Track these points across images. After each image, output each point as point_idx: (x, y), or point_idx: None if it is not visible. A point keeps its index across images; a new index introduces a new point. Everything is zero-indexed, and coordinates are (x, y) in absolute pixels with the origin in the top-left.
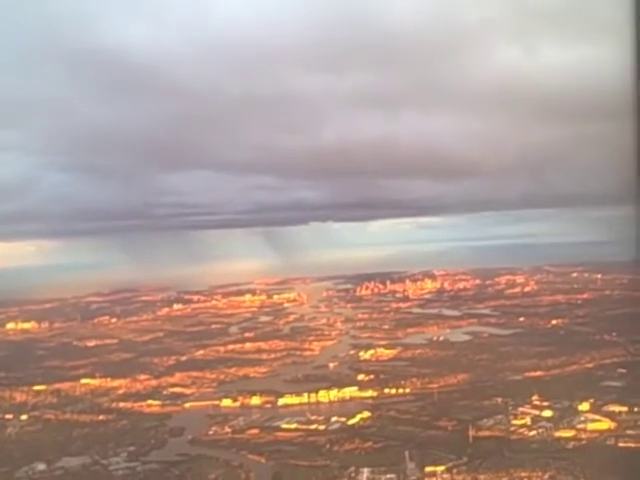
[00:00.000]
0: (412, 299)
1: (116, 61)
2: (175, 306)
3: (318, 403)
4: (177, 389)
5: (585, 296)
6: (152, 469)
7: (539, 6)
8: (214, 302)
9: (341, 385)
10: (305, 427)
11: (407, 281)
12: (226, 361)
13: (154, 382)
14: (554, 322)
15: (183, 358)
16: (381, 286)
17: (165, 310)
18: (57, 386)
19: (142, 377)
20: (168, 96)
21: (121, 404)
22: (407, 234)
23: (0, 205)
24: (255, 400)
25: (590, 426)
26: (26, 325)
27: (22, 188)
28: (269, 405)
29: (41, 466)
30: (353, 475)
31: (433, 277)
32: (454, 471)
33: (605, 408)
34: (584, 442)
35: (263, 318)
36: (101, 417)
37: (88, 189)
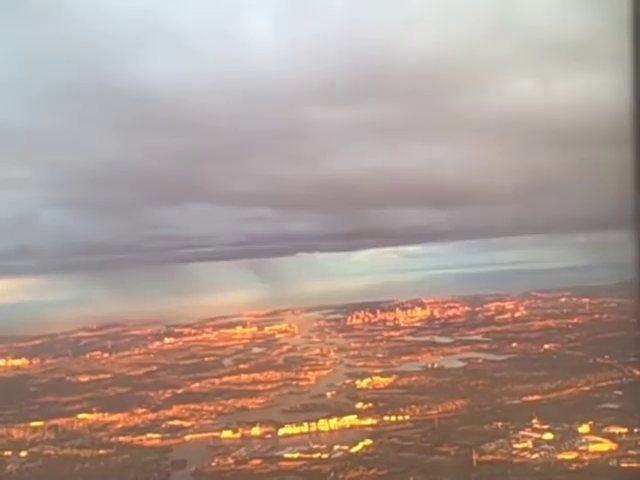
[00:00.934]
0: (403, 327)
1: (118, 98)
2: (166, 340)
3: (319, 432)
4: (176, 422)
5: (575, 320)
6: None
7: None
8: (205, 335)
9: (340, 414)
10: (308, 456)
11: (397, 310)
12: (223, 393)
13: (152, 415)
14: (546, 346)
15: (179, 391)
16: (371, 315)
17: (157, 344)
18: (54, 422)
19: (140, 411)
20: (170, 131)
21: (120, 438)
22: (394, 263)
23: None
24: (255, 431)
25: (592, 447)
26: (17, 362)
27: (18, 225)
28: (269, 435)
29: None
30: None
31: (422, 305)
32: None
33: (605, 430)
34: (587, 463)
35: (256, 349)
36: (102, 451)
37: (81, 224)
